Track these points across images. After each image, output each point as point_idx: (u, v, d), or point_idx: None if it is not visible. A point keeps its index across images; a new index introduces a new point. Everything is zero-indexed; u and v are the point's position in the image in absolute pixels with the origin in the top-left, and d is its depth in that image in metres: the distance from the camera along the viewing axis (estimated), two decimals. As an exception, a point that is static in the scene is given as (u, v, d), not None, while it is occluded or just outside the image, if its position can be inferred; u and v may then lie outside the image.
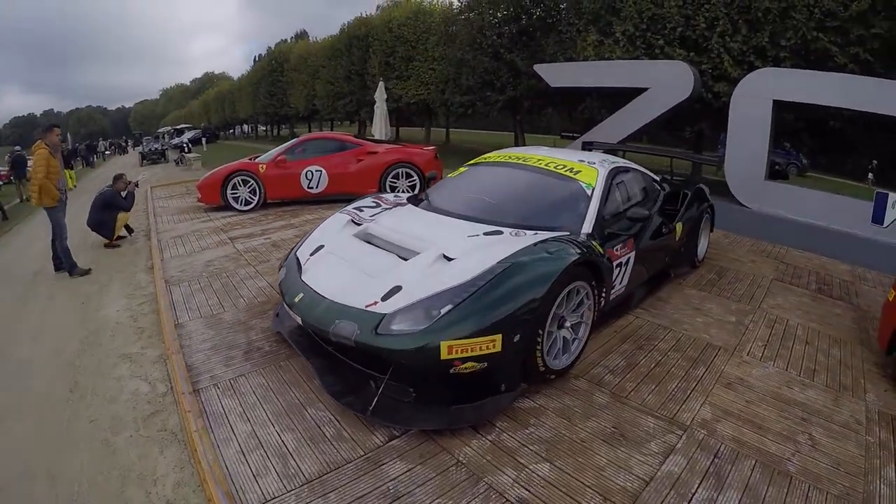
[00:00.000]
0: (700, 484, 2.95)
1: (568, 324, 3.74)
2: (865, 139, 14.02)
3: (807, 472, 3.23)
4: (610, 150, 7.68)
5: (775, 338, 4.99)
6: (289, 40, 53.42)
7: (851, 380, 4.51)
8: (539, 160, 5.11)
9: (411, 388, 3.25)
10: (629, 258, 4.61)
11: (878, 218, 5.35)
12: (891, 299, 4.67)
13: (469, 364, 3.06)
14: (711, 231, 7.06)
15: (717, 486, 2.97)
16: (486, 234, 3.95)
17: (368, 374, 3.40)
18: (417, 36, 24.98)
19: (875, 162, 20.33)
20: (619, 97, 11.40)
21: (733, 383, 4.09)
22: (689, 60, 12.55)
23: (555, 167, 4.93)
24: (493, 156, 5.64)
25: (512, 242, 3.70)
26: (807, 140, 15.51)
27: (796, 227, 8.45)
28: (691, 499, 2.83)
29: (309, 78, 35.56)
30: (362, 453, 3.02)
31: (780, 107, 9.55)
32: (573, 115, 18.61)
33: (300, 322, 3.62)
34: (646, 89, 10.42)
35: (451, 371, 3.06)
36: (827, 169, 23.78)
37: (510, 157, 5.38)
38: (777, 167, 21.76)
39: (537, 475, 2.89)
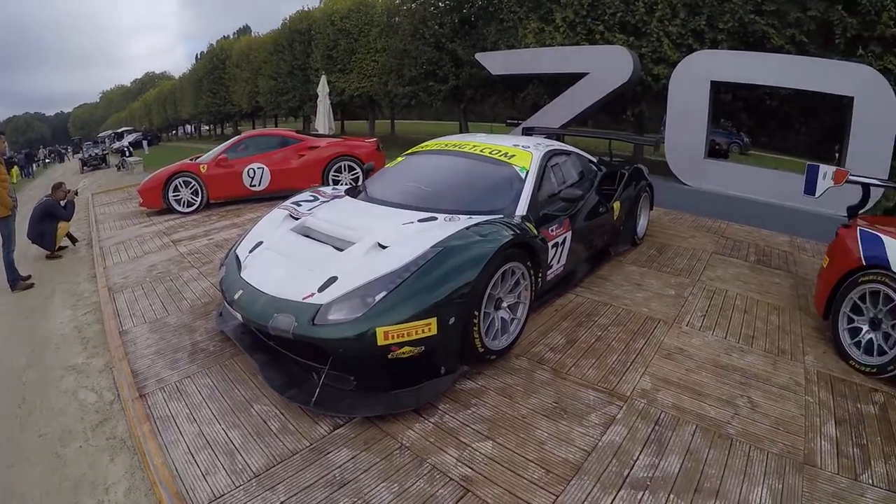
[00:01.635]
0: (642, 451, 3.06)
1: (505, 304, 3.79)
2: (800, 116, 14.54)
3: (747, 433, 3.37)
4: (551, 134, 7.82)
5: (714, 308, 5.16)
6: (231, 36, 52.16)
7: (790, 344, 4.70)
8: (474, 146, 5.18)
9: (352, 377, 3.28)
10: (565, 238, 4.71)
11: (810, 189, 5.50)
12: (825, 266, 4.89)
13: (406, 349, 3.10)
14: (651, 209, 7.22)
15: (659, 451, 3.08)
16: (420, 220, 3.99)
17: (310, 366, 3.41)
18: (360, 28, 24.77)
19: (838, 146, 21.21)
20: (561, 83, 11.60)
21: (673, 353, 4.22)
22: (629, 45, 12.90)
23: (490, 153, 5.00)
24: (429, 144, 5.69)
25: (446, 227, 3.74)
26: (745, 119, 16.02)
27: (736, 203, 8.76)
28: (633, 466, 2.93)
29: (251, 74, 34.91)
30: (308, 444, 3.03)
31: (717, 88, 9.88)
32: (516, 102, 18.78)
33: (241, 319, 3.61)
34: (586, 74, 10.61)
35: (390, 356, 3.10)
36: (767, 147, 24.56)
37: (446, 145, 5.42)
38: (718, 146, 22.37)
39: (480, 453, 2.94)
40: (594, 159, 6.28)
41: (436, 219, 3.99)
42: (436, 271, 3.26)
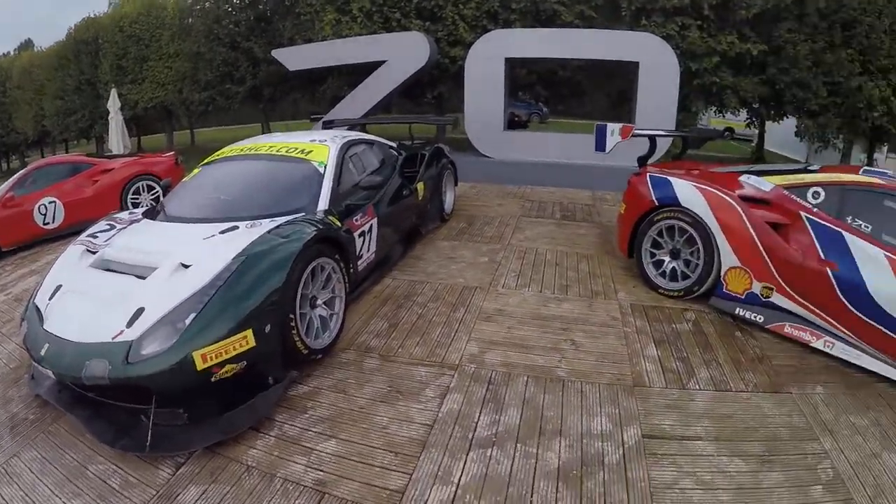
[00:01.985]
0: (481, 412, 3.25)
1: (320, 302, 3.82)
2: (592, 83, 15.90)
3: (577, 372, 3.74)
4: (354, 125, 7.89)
5: (527, 267, 5.52)
6: (12, 52, 45.53)
7: (602, 286, 5.20)
8: (271, 147, 5.11)
9: (181, 410, 3.14)
10: (371, 225, 4.80)
11: (600, 147, 6.05)
12: (622, 212, 5.47)
13: (228, 367, 3.03)
14: (456, 184, 7.50)
15: (497, 408, 3.29)
16: (222, 232, 3.86)
17: (137, 409, 3.22)
18: (151, 33, 22.71)
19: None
20: (361, 72, 11.66)
21: (493, 315, 4.49)
22: (426, 30, 13.25)
23: (286, 151, 4.96)
24: (225, 151, 5.47)
25: (248, 235, 3.67)
26: (541, 91, 17.07)
27: (538, 168, 9.45)
28: (476, 427, 3.11)
29: (35, 95, 30.90)
30: (154, 492, 2.87)
31: (512, 64, 10.48)
32: (316, 96, 18.50)
33: (53, 376, 3.32)
34: (384, 62, 10.75)
35: (214, 380, 3.01)
36: (566, 114, 26.20)
37: (242, 150, 5.28)
38: (517, 118, 23.73)
39: (327, 453, 2.97)
40: (394, 145, 6.41)
41: (238, 227, 3.89)
42: (242, 282, 3.21)
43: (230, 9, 19.65)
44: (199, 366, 2.92)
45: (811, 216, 4.66)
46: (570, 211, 7.66)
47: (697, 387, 3.77)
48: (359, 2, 14.43)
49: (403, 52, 10.65)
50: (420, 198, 6.00)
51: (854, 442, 3.47)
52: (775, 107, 15.50)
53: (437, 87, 14.95)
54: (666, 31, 12.82)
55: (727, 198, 4.84)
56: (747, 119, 18.70)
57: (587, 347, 4.09)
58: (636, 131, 5.85)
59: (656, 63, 9.87)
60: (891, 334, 4.14)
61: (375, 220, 4.86)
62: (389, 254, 5.42)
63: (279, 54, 12.40)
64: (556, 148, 9.94)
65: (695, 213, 4.88)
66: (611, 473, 2.86)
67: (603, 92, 15.58)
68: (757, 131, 22.84)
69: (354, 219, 4.54)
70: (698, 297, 5.03)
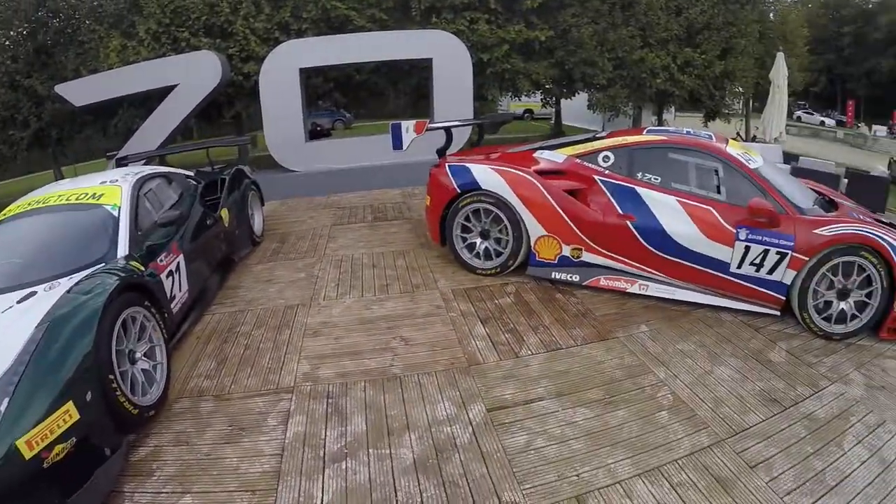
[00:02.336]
0: (326, 427, 3.19)
1: (140, 355, 3.49)
2: (389, 84, 16.15)
3: (411, 366, 3.82)
4: (149, 158, 7.38)
5: (345, 274, 5.51)
6: None
7: (422, 278, 5.30)
8: (60, 196, 4.59)
9: None
10: (179, 263, 4.47)
11: (397, 145, 6.13)
12: (428, 204, 5.61)
13: (58, 448, 2.66)
14: (263, 205, 7.25)
15: (341, 420, 3.26)
16: (19, 301, 3.43)
17: None
18: None
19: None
20: (155, 100, 10.85)
21: (319, 330, 4.41)
22: (217, 48, 12.72)
23: (76, 199, 4.50)
24: (11, 209, 4.82)
25: (48, 299, 3.28)
26: (339, 97, 17.08)
27: (345, 174, 9.40)
28: (325, 444, 3.05)
29: None
30: None
31: (307, 73, 10.33)
32: (109, 132, 17.02)
33: None
34: (176, 86, 10.05)
35: (45, 465, 2.64)
36: (369, 116, 26.32)
37: (29, 204, 4.67)
38: (320, 128, 23.60)
39: (183, 511, 2.76)
40: (191, 173, 6.06)
41: (36, 293, 3.47)
42: (51, 352, 2.86)
43: (7, 42, 17.10)
44: (27, 454, 2.56)
45: (604, 178, 5.13)
46: (381, 212, 7.74)
47: (530, 352, 4.01)
48: (145, 23, 13.56)
49: (195, 74, 10.03)
50: (227, 224, 5.68)
51: (686, 366, 3.94)
52: (567, 85, 17.03)
53: (234, 105, 14.50)
54: (456, 26, 13.48)
55: (524, 174, 5.13)
56: (542, 99, 20.07)
57: (417, 340, 4.17)
58: (430, 125, 6.01)
59: (449, 58, 10.27)
60: (695, 266, 4.78)
61: (182, 256, 4.52)
62: (204, 289, 5.07)
63: (63, 90, 11.07)
64: (360, 152, 9.96)
65: (496, 194, 5.15)
66: (466, 453, 2.96)
67: (401, 90, 15.91)
68: (553, 109, 24.63)
69: (159, 259, 4.18)
70: (515, 270, 5.30)
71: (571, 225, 5.04)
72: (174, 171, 5.75)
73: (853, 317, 4.60)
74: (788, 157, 12.27)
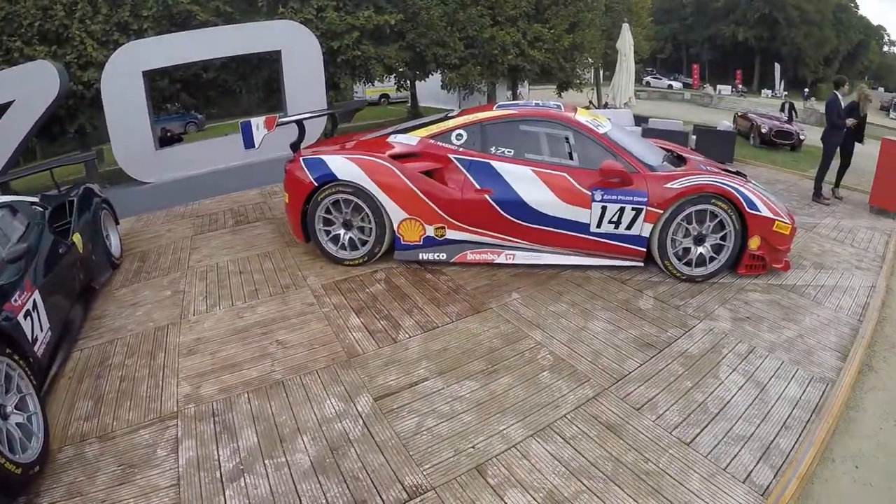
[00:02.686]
0: (217, 447, 3.15)
1: (10, 408, 3.24)
2: (239, 80, 15.48)
3: (292, 368, 3.83)
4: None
5: (212, 285, 5.38)
6: None
7: (290, 278, 5.28)
8: None
9: None
10: (34, 301, 4.10)
11: (249, 143, 5.91)
12: (287, 201, 5.55)
13: None
14: (118, 223, 6.80)
15: (231, 436, 3.23)
16: None
17: None
18: None
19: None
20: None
21: (194, 348, 4.27)
22: (53, 55, 11.62)
23: None
24: None
25: None
26: (188, 98, 16.09)
27: (201, 180, 9.04)
28: (220, 464, 3.02)
29: None
30: None
31: (152, 76, 9.73)
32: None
33: None
34: (11, 102, 8.97)
35: None
36: (223, 116, 25.07)
37: None
38: (171, 134, 22.29)
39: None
40: (35, 199, 5.56)
41: None
42: None
43: None
44: None
45: (459, 156, 5.32)
46: (242, 214, 7.58)
47: (407, 336, 4.16)
48: None
49: (30, 87, 8.95)
50: (81, 250, 5.23)
51: (560, 325, 4.24)
52: (419, 67, 17.02)
53: (77, 118, 13.24)
54: (304, 16, 13.17)
55: (380, 160, 5.21)
56: (396, 83, 20.09)
57: (294, 342, 4.18)
58: (280, 120, 5.89)
59: (298, 49, 10.12)
60: (557, 231, 5.09)
61: (37, 292, 4.12)
62: (68, 323, 4.65)
63: None
64: (214, 155, 9.55)
65: (354, 183, 5.20)
66: (361, 446, 3.04)
67: (252, 86, 15.31)
68: (409, 92, 24.73)
69: (13, 300, 3.77)
70: (384, 257, 5.42)
71: (431, 205, 5.17)
72: (17, 199, 5.24)
73: (711, 259, 5.10)
74: (639, 120, 13.03)
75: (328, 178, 5.26)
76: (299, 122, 6.10)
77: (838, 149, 8.69)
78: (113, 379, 4.04)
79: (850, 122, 8.45)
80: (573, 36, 18.03)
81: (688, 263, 5.11)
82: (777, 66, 43.55)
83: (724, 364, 3.80)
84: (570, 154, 5.21)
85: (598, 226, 5.05)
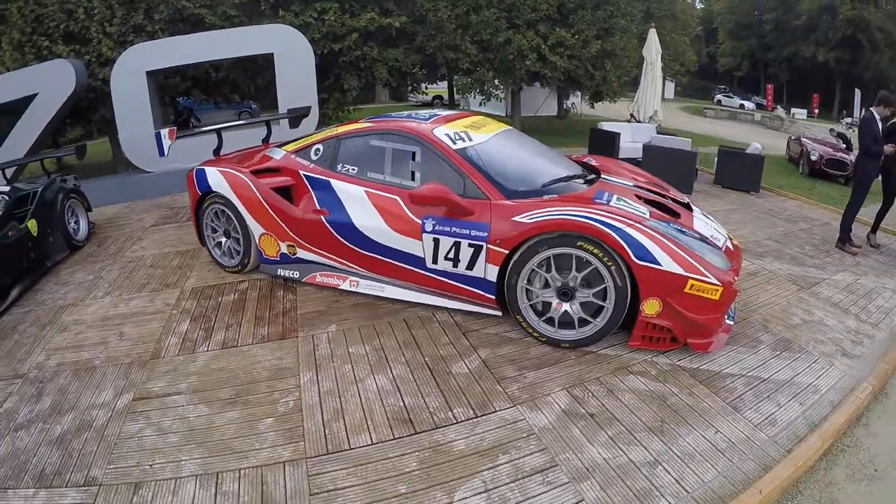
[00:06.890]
0: (24, 406, 3.80)
1: None
2: (247, 79, 16.54)
3: (110, 359, 4.31)
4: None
5: (123, 275, 6.03)
6: None
7: (179, 276, 5.83)
8: None
9: None
10: None
11: (161, 152, 6.60)
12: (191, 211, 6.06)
13: None
14: (90, 210, 7.73)
15: (36, 399, 3.87)
16: None
17: None
18: None
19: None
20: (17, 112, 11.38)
21: (69, 326, 4.92)
22: (77, 54, 13.17)
23: None
24: None
25: None
26: (200, 94, 17.24)
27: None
28: (18, 416, 3.66)
29: None
30: None
31: (164, 74, 11.04)
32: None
33: None
34: (36, 95, 10.64)
35: None
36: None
37: None
38: (181, 119, 23.37)
39: None
40: (5, 189, 6.56)
41: None
42: None
43: None
44: None
45: (307, 172, 5.17)
46: (177, 213, 8.19)
47: (205, 349, 4.39)
48: (9, 34, 13.94)
49: (52, 82, 10.59)
50: (35, 233, 6.17)
51: (341, 371, 3.94)
52: (430, 70, 17.38)
53: (98, 110, 14.81)
54: (304, 19, 13.95)
55: (239, 174, 5.39)
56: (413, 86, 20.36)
57: (129, 336, 4.66)
58: (184, 132, 6.43)
59: (290, 51, 11.00)
60: (390, 261, 4.59)
61: None
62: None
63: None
64: (211, 148, 10.45)
65: (223, 195, 5.44)
66: (94, 433, 3.48)
67: (260, 84, 16.14)
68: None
69: None
70: (255, 270, 5.71)
71: (280, 222, 5.17)
72: None
73: (584, 322, 3.97)
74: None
75: (207, 190, 5.53)
76: (218, 132, 6.68)
77: (878, 183, 7.10)
78: (9, 341, 4.78)
79: (889, 148, 6.71)
80: (602, 42, 16.95)
81: (549, 322, 4.06)
82: (857, 92, 40.30)
83: (477, 479, 2.91)
84: (413, 173, 4.59)
85: (434, 261, 4.35)
